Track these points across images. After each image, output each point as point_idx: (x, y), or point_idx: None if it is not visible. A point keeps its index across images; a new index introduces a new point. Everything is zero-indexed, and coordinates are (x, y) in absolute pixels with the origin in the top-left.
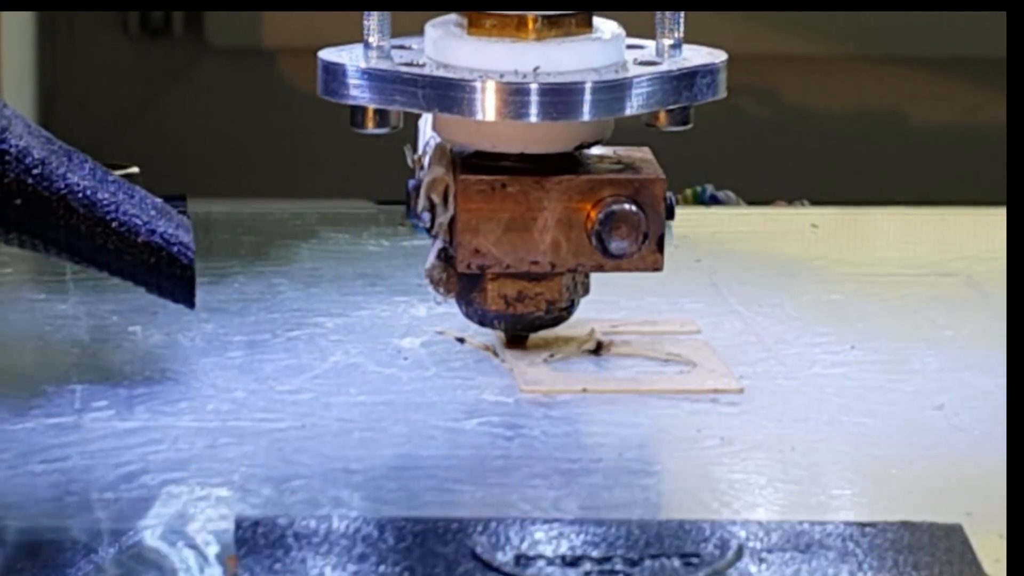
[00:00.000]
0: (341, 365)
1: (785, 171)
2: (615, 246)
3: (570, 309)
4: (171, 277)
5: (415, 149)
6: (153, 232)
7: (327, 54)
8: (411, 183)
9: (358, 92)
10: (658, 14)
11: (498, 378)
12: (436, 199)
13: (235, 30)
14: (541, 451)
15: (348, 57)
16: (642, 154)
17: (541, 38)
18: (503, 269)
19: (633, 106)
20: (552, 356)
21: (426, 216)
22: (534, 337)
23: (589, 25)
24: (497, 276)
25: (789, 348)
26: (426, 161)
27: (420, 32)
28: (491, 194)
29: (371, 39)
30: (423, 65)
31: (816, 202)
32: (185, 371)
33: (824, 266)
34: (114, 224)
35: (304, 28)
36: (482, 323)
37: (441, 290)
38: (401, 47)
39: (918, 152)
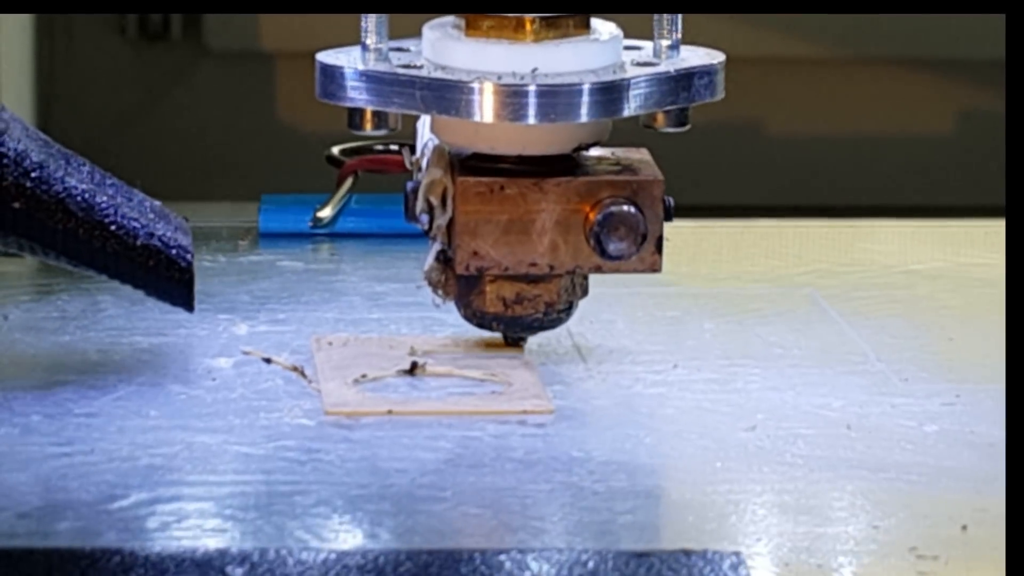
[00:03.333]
0: (146, 386)
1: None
2: (614, 248)
3: (569, 311)
4: (169, 280)
5: (413, 151)
6: (152, 235)
7: (325, 56)
8: (409, 185)
9: (356, 94)
10: (656, 15)
11: (305, 400)
12: (434, 201)
13: (233, 34)
14: (333, 476)
15: (346, 59)
16: (640, 155)
17: (539, 39)
18: (501, 271)
19: (631, 107)
20: (364, 376)
21: (424, 218)
22: (351, 356)
23: (587, 26)
24: (495, 278)
25: (611, 366)
26: (424, 163)
27: (418, 34)
28: (489, 196)
29: (369, 41)
30: (421, 67)
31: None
32: None
33: (664, 281)
34: (113, 227)
35: (302, 31)
36: (480, 325)
37: (440, 292)
38: (399, 49)
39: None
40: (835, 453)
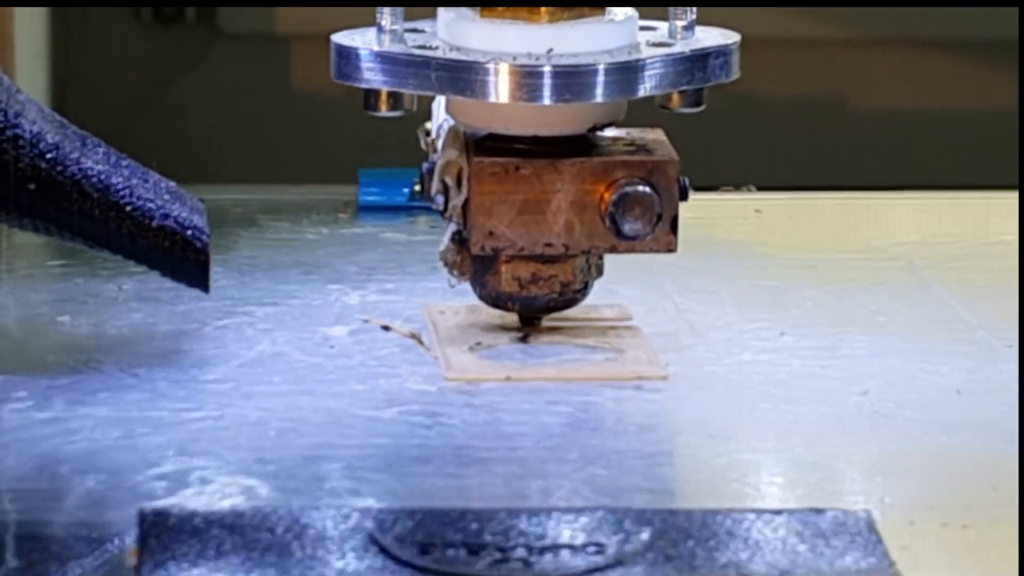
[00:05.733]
0: (266, 354)
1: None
2: (629, 228)
3: (584, 291)
4: (185, 260)
5: (428, 132)
6: (167, 216)
7: (340, 37)
8: (424, 166)
9: (371, 75)
10: None
11: (423, 367)
12: (450, 182)
13: (247, 17)
14: (459, 439)
15: (361, 40)
16: (655, 135)
17: (554, 20)
18: (517, 251)
19: (646, 87)
20: (479, 344)
21: (439, 199)
22: (464, 325)
23: (602, 7)
24: (511, 258)
25: (719, 335)
26: (439, 144)
27: (433, 15)
28: (505, 176)
29: (384, 22)
30: (436, 48)
31: (763, 187)
32: (109, 361)
33: (763, 252)
34: (128, 208)
35: (316, 14)
36: (496, 305)
37: (455, 272)
38: (414, 30)
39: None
40: (947, 416)
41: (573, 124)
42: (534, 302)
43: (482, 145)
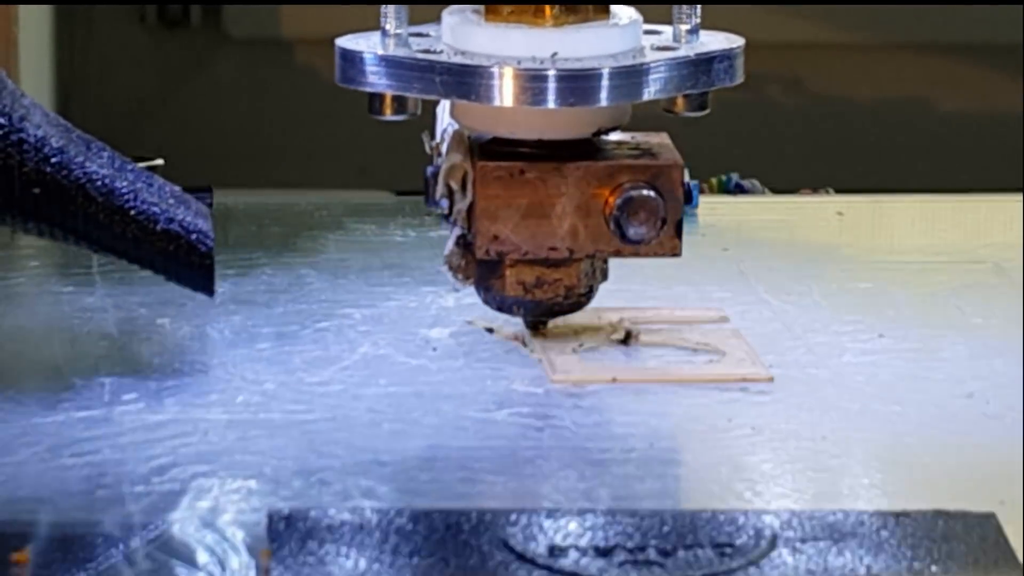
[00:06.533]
0: (370, 356)
1: (810, 159)
2: (633, 232)
3: (588, 295)
4: (190, 265)
5: (433, 136)
6: (171, 220)
7: (345, 41)
8: (429, 170)
9: (376, 79)
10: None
11: (527, 368)
12: (454, 186)
13: (253, 21)
14: (572, 441)
15: (366, 44)
16: (660, 139)
17: (559, 24)
18: (521, 255)
19: (650, 91)
20: (581, 346)
21: (444, 203)
22: (562, 326)
23: (607, 11)
24: (515, 262)
25: (817, 336)
26: (444, 148)
27: (437, 19)
28: (509, 180)
29: (388, 26)
30: (441, 52)
31: (840, 190)
32: (214, 363)
33: (850, 254)
34: (132, 212)
35: (322, 18)
36: (500, 309)
37: (459, 276)
38: (418, 34)
39: (940, 139)
40: None
41: (577, 128)
42: (539, 306)
43: (487, 149)
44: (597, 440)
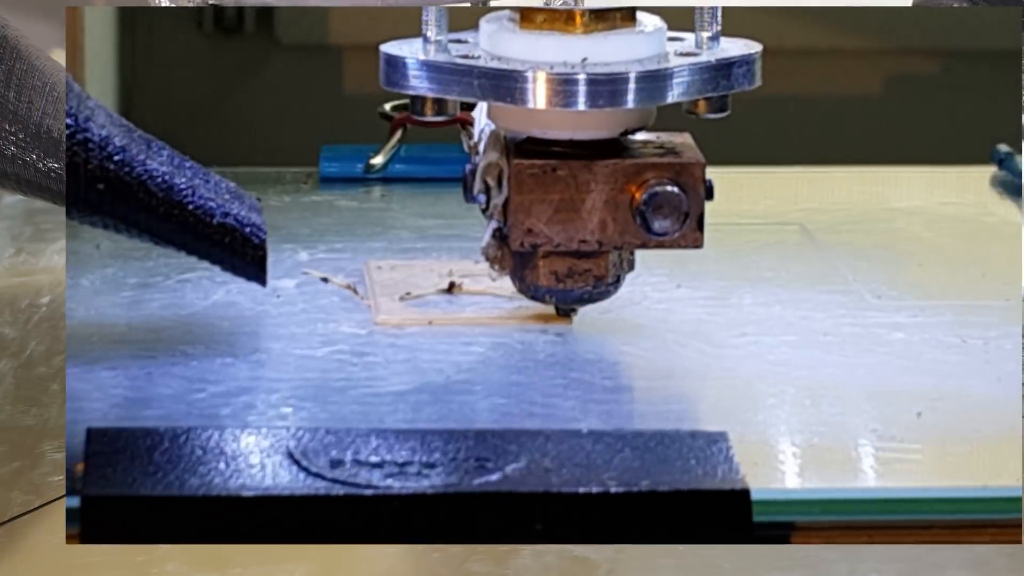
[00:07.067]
0: (220, 303)
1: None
2: (658, 225)
3: (616, 284)
4: (244, 256)
5: (471, 136)
6: (227, 214)
7: (389, 47)
8: (467, 167)
9: (418, 83)
10: (697, 8)
11: (358, 313)
12: (491, 182)
13: (303, 28)
14: (380, 374)
15: (408, 50)
16: (683, 139)
17: (588, 31)
18: (554, 247)
19: (674, 94)
20: (409, 294)
21: (481, 198)
22: (397, 279)
23: (633, 19)
24: (548, 254)
25: (624, 288)
26: (481, 147)
27: (475, 27)
28: (542, 177)
29: (429, 33)
30: (478, 57)
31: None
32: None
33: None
34: (190, 207)
35: (367, 27)
36: (534, 297)
37: (496, 267)
38: (457, 40)
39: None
40: (814, 354)
41: (606, 128)
42: (570, 295)
43: (521, 148)
44: (402, 375)
